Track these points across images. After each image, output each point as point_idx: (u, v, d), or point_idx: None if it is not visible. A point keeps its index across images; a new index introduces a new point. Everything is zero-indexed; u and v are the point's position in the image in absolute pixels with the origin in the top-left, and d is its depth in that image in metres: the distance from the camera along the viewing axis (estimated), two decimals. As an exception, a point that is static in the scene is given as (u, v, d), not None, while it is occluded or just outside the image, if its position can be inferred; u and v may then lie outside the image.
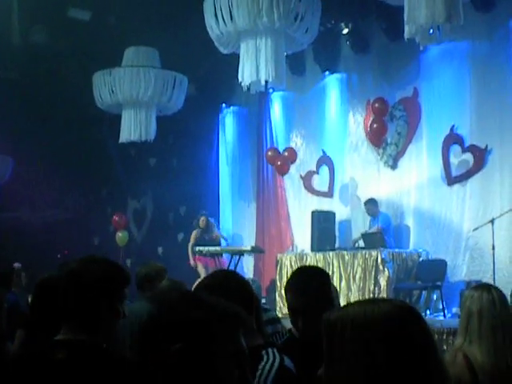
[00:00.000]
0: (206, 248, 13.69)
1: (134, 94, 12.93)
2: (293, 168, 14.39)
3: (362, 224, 13.16)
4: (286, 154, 14.34)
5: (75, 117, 14.97)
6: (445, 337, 7.07)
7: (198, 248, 13.72)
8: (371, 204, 12.81)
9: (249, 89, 11.12)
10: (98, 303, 2.80)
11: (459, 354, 3.45)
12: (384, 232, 12.28)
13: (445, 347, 7.01)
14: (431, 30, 9.38)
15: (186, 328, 1.83)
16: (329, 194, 14.20)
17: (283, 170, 14.32)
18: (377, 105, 13.00)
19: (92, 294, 2.79)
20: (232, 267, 12.91)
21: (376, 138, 13.21)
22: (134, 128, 13.35)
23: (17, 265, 11.58)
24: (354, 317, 1.75)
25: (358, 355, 1.70)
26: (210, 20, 10.57)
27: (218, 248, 13.90)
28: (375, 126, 13.10)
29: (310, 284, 3.58)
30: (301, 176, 14.53)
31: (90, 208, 15.69)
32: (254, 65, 10.36)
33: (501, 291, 3.68)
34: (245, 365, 1.91)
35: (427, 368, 1.72)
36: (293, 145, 14.65)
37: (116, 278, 2.89)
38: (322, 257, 12.19)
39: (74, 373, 2.59)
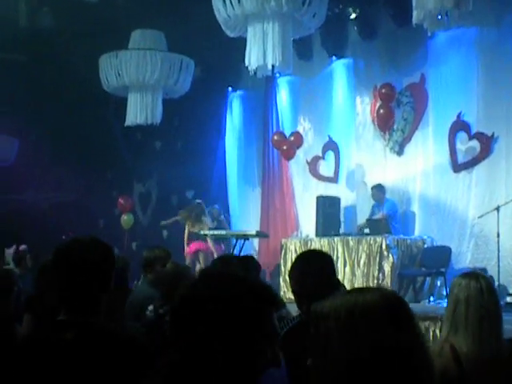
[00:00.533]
0: (211, 232, 13.72)
1: (140, 77, 12.91)
2: (299, 153, 14.36)
3: (367, 210, 13.14)
4: (293, 138, 14.31)
5: (81, 99, 14.95)
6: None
7: (202, 232, 13.74)
8: (378, 190, 12.77)
9: (255, 73, 11.09)
10: (89, 284, 2.79)
11: (446, 344, 3.41)
12: (390, 218, 12.28)
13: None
14: (439, 16, 9.34)
15: (225, 305, 1.86)
16: (334, 179, 14.18)
17: (289, 155, 14.29)
18: (384, 90, 12.94)
19: (82, 274, 2.78)
20: (236, 252, 12.96)
21: (382, 123, 13.17)
22: (140, 111, 13.34)
23: (23, 247, 11.60)
24: (341, 307, 1.74)
25: (344, 345, 1.69)
26: (217, 3, 10.52)
27: (222, 232, 13.91)
28: (382, 111, 13.06)
29: (309, 268, 3.61)
30: (307, 161, 14.51)
31: (95, 190, 15.68)
32: (261, 49, 10.32)
33: (489, 280, 3.64)
34: (276, 344, 1.92)
35: (413, 360, 1.70)
36: (299, 129, 14.61)
37: (108, 260, 2.89)
38: (326, 242, 12.19)
39: (84, 352, 2.60)
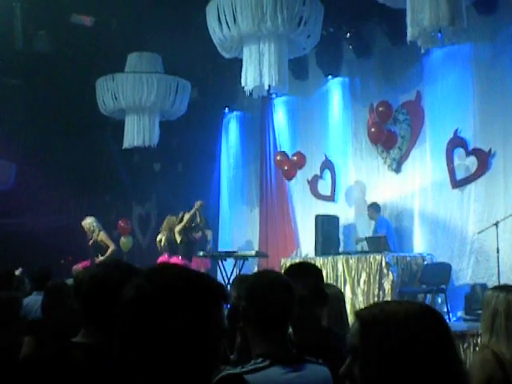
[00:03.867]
0: (210, 252, 13.70)
1: (136, 100, 12.96)
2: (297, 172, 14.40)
3: (366, 228, 13.15)
4: (295, 158, 14.32)
5: (79, 122, 14.98)
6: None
7: (201, 252, 13.70)
8: (371, 208, 12.88)
9: (251, 93, 11.12)
10: (111, 306, 2.79)
11: (487, 351, 3.51)
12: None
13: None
14: (434, 33, 9.37)
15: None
16: (331, 198, 14.20)
17: (290, 175, 14.31)
18: (381, 108, 12.97)
19: (112, 299, 2.78)
20: (235, 272, 12.94)
21: (379, 141, 13.18)
22: (137, 133, 13.37)
23: (19, 271, 11.56)
24: (392, 315, 1.79)
25: (395, 354, 1.73)
26: (212, 24, 10.58)
27: (221, 253, 13.89)
28: (380, 130, 13.07)
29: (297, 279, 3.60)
30: (307, 180, 14.52)
31: (93, 214, 15.65)
32: (257, 69, 10.36)
33: None
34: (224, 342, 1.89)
35: (452, 368, 1.76)
36: (296, 149, 14.62)
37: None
38: (326, 261, 12.17)
39: (93, 374, 2.59)
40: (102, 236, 13.37)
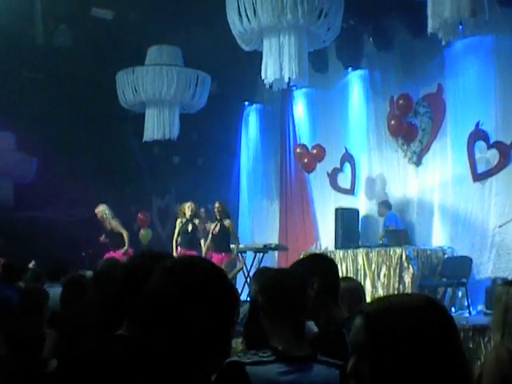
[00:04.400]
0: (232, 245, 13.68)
1: (156, 93, 12.98)
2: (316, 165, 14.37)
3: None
4: (315, 151, 14.29)
5: (99, 116, 15.03)
6: (471, 334, 7.01)
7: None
8: (382, 205, 13.08)
9: (271, 86, 11.10)
10: None
11: (502, 349, 3.43)
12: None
13: (470, 345, 6.95)
14: (454, 25, 9.30)
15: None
16: (350, 191, 14.16)
17: (310, 168, 14.28)
18: (401, 101, 12.91)
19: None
20: (255, 265, 12.95)
21: (402, 134, 13.11)
22: (157, 127, 13.40)
23: (32, 263, 11.63)
24: (398, 307, 1.74)
25: (405, 347, 1.68)
26: (232, 16, 10.55)
27: (242, 245, 13.88)
28: (400, 122, 13.00)
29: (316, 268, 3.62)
30: (327, 173, 14.49)
31: (113, 206, 15.70)
32: (278, 62, 10.33)
33: None
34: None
35: (457, 360, 1.72)
36: (316, 141, 14.59)
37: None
38: (346, 254, 12.14)
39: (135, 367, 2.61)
40: (114, 223, 13.46)
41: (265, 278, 3.22)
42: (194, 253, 12.39)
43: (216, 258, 12.15)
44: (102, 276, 5.36)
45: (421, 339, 1.67)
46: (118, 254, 13.24)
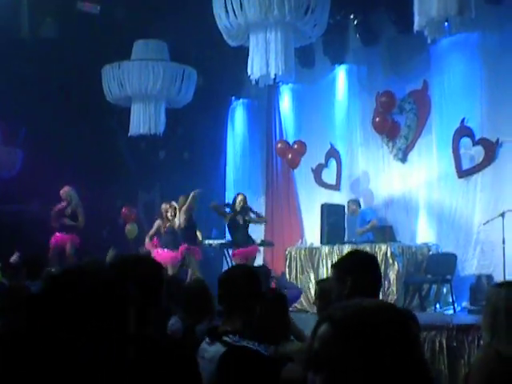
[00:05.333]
0: (216, 241, 13.69)
1: (142, 88, 12.91)
2: (302, 161, 14.36)
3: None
4: (296, 146, 14.31)
5: (85, 109, 14.95)
6: (454, 333, 7.03)
7: (207, 241, 13.70)
8: (354, 203, 13.20)
9: (257, 82, 11.09)
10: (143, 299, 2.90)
11: (490, 350, 3.43)
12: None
13: (454, 344, 6.97)
14: (441, 23, 9.31)
15: None
16: (336, 187, 14.17)
17: (294, 164, 14.29)
18: (384, 99, 12.96)
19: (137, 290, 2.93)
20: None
21: (385, 131, 13.15)
22: (143, 121, 13.34)
23: (15, 256, 11.55)
24: (370, 314, 1.60)
25: (379, 357, 1.56)
26: (219, 11, 10.51)
27: (227, 241, 13.89)
28: (384, 119, 13.03)
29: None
30: (312, 169, 14.49)
31: (99, 201, 15.65)
32: (264, 58, 10.31)
33: None
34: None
35: (421, 368, 1.63)
36: (302, 137, 14.59)
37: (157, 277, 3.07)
38: (332, 250, 12.16)
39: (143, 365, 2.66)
40: (79, 208, 13.77)
41: None
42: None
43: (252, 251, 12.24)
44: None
45: (398, 348, 1.57)
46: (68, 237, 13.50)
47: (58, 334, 1.80)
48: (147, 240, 13.61)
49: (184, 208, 12.70)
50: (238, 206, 12.72)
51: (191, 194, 12.75)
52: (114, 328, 1.84)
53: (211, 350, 3.43)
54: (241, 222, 12.65)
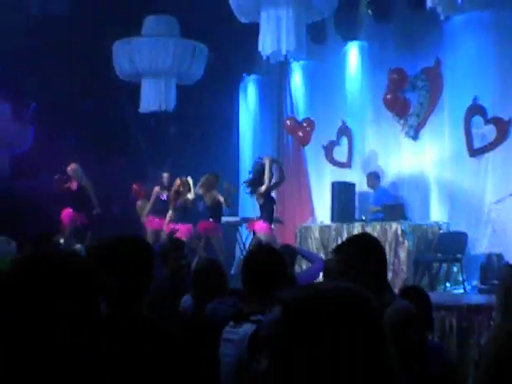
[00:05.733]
0: (226, 219, 13.66)
1: (153, 64, 12.85)
2: (312, 138, 14.30)
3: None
4: (305, 124, 14.24)
5: (95, 86, 14.93)
6: (465, 313, 7.01)
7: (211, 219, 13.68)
8: (372, 176, 13.02)
9: (268, 59, 11.02)
10: (134, 277, 3.00)
11: (500, 330, 3.41)
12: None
13: (465, 324, 6.96)
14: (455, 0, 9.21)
15: None
16: (347, 164, 14.11)
17: (305, 141, 14.22)
18: (395, 76, 12.85)
19: (128, 270, 3.00)
20: (250, 237, 12.94)
21: (396, 109, 13.06)
22: (153, 98, 13.30)
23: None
24: (322, 299, 1.49)
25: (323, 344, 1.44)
26: (231, -13, 10.44)
27: (237, 218, 13.89)
28: (395, 96, 12.95)
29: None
30: (323, 146, 14.42)
31: (109, 177, 15.66)
32: (275, 35, 10.25)
33: None
34: None
35: (381, 358, 1.50)
36: (313, 114, 14.52)
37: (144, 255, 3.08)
38: (341, 228, 12.13)
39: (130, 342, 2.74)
40: (88, 182, 13.82)
41: None
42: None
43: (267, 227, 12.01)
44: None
45: (348, 337, 1.45)
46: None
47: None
48: (144, 216, 13.71)
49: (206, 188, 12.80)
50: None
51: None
52: (81, 316, 1.82)
53: (240, 331, 3.42)
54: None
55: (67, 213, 13.85)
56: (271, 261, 3.61)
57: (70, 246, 10.62)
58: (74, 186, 13.86)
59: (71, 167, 13.78)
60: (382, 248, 3.73)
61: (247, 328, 3.36)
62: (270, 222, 11.98)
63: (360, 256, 3.53)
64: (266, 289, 3.42)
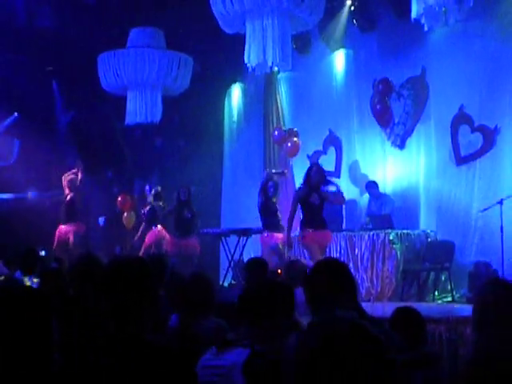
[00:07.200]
0: (211, 230, 13.64)
1: (138, 76, 12.80)
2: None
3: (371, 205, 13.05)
4: (293, 134, 14.24)
5: (82, 97, 14.90)
6: (454, 325, 6.99)
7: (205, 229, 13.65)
8: (370, 187, 12.84)
9: (254, 70, 11.00)
10: (139, 300, 2.99)
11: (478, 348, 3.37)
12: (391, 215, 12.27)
13: (454, 336, 6.93)
14: (439, 11, 9.21)
15: None
16: (335, 174, 14.08)
17: (293, 152, 14.19)
18: (380, 86, 12.90)
19: (134, 292, 2.99)
20: (240, 248, 12.91)
21: (382, 117, 13.08)
22: (139, 110, 13.23)
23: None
24: None
25: None
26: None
27: (224, 229, 13.84)
28: (381, 105, 12.97)
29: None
30: (307, 156, 14.41)
31: (95, 188, 15.63)
32: (261, 46, 10.22)
33: None
34: None
35: None
36: (299, 124, 14.50)
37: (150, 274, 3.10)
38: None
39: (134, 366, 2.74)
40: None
41: None
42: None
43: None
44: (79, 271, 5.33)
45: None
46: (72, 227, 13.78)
47: None
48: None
49: None
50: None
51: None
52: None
53: (228, 357, 3.34)
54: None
55: (59, 230, 14.00)
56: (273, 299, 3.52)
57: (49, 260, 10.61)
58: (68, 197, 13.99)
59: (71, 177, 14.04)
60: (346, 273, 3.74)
61: (237, 353, 3.29)
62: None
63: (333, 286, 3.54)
64: (262, 317, 3.38)
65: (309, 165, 14.19)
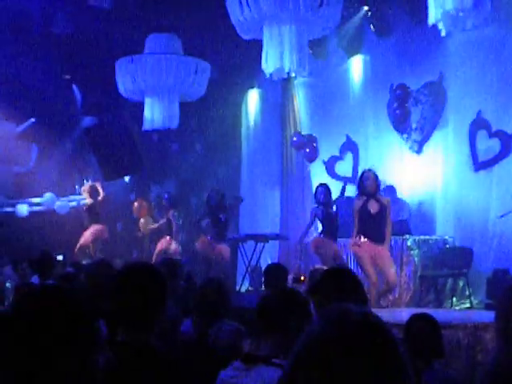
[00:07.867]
0: (229, 235, 13.63)
1: (155, 82, 12.85)
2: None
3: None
4: (309, 140, 14.23)
5: (99, 103, 14.98)
6: (472, 331, 6.94)
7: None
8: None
9: (272, 75, 11.01)
10: (146, 306, 3.05)
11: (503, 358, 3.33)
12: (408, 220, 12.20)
13: (472, 343, 6.88)
14: (456, 16, 9.18)
15: None
16: (352, 179, 14.05)
17: (312, 157, 14.18)
18: (398, 91, 12.87)
19: (142, 298, 3.05)
20: (256, 255, 12.91)
21: (400, 123, 13.05)
22: (157, 116, 13.28)
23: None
24: None
25: None
26: (233, 4, 10.41)
27: (241, 235, 13.85)
28: (398, 111, 12.94)
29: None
30: (323, 161, 14.40)
31: (113, 194, 15.69)
32: (278, 52, 10.23)
33: None
34: None
35: None
36: (316, 130, 14.50)
37: (162, 281, 3.14)
38: (346, 243, 12.06)
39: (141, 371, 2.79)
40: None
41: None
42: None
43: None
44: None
45: None
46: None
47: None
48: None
49: None
50: None
51: None
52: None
53: (254, 374, 3.13)
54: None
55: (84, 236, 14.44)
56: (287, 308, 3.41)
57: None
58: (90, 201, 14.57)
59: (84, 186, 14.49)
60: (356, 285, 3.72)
61: (263, 372, 3.11)
62: None
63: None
64: (281, 327, 3.29)
65: (325, 170, 14.28)
